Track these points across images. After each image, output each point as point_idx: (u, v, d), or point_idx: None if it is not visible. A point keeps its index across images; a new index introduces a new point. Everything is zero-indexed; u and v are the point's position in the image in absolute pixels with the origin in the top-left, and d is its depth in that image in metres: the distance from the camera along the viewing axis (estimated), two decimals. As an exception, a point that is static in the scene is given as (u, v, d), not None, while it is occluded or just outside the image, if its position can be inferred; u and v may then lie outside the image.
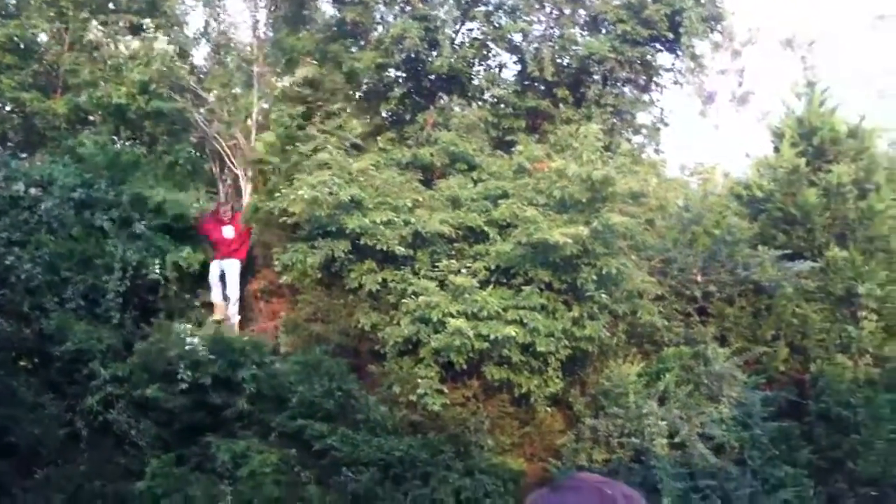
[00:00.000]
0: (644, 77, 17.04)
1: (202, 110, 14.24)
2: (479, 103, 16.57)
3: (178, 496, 11.97)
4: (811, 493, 14.18)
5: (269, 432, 12.75)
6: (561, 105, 16.59)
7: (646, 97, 17.45)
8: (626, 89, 16.85)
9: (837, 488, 14.53)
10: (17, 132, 13.71)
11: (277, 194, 13.85)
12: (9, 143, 13.24)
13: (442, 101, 16.44)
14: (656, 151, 17.96)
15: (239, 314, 14.35)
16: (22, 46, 14.43)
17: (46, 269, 12.19)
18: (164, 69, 13.26)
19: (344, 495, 12.47)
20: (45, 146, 13.38)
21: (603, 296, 13.91)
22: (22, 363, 12.62)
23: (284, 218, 13.68)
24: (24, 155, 13.27)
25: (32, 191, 12.19)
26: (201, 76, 14.90)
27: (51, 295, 12.23)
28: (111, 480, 12.31)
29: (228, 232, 14.13)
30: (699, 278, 15.37)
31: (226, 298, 14.09)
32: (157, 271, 12.78)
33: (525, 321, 13.46)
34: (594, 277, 13.96)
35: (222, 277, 14.07)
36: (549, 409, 13.47)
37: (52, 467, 12.40)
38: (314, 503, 12.29)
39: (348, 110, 15.36)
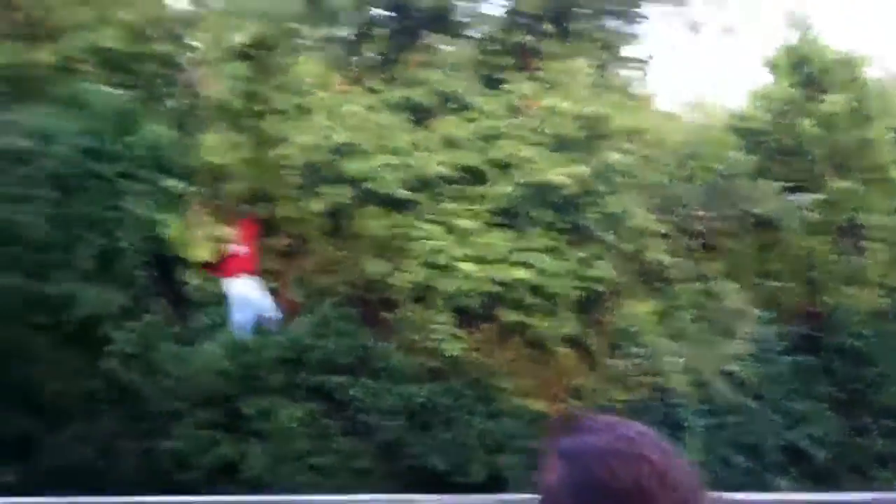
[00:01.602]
0: (630, 9, 18.97)
1: (189, 55, 15.57)
2: (466, 41, 18.27)
3: (209, 454, 13.59)
4: (833, 425, 16.46)
5: (294, 390, 14.43)
6: (547, 41, 18.37)
7: (632, 29, 19.42)
8: (613, 23, 18.76)
9: (861, 421, 16.84)
10: (2, 85, 14.72)
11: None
12: (-1, 94, 14.32)
13: (427, 40, 18.08)
14: (645, 86, 20.00)
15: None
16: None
17: (54, 227, 13.51)
18: (152, 12, 14.51)
19: (372, 443, 14.25)
20: (33, 98, 14.46)
21: (609, 235, 15.87)
22: (37, 320, 13.87)
23: (276, 163, 15.19)
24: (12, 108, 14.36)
25: (28, 142, 13.36)
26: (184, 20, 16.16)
27: (59, 251, 13.57)
28: (140, 438, 13.88)
29: (237, 250, 15.37)
30: (701, 214, 17.48)
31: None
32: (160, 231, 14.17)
33: (532, 263, 15.35)
34: (598, 217, 15.91)
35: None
36: (565, 350, 15.39)
37: (81, 424, 13.82)
38: (343, 453, 14.05)
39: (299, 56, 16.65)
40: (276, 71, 16.10)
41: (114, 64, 15.16)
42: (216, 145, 15.20)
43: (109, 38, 15.02)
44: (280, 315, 14.70)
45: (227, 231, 15.10)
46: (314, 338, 14.32)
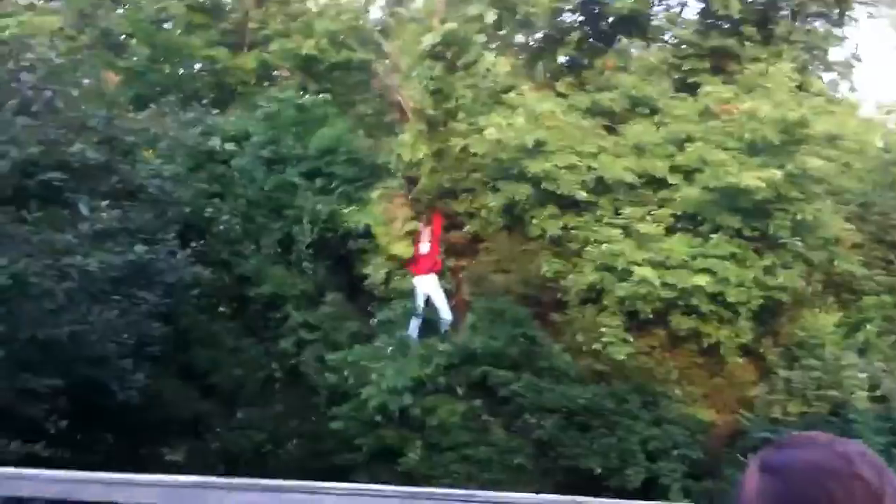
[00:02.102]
0: (836, 10, 18.20)
1: (385, 62, 16.61)
2: (660, 45, 18.23)
3: (370, 437, 14.52)
4: None
5: (457, 387, 15.10)
6: (747, 44, 17.95)
7: (838, 31, 18.61)
8: (818, 24, 18.09)
9: None
10: (209, 90, 16.50)
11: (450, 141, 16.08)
12: (203, 101, 16.02)
13: (621, 44, 18.21)
14: (851, 90, 19.11)
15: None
16: (209, 5, 17.22)
17: (243, 219, 15.00)
18: (353, 21, 15.66)
19: (528, 441, 14.66)
20: (235, 102, 16.11)
21: (797, 243, 15.33)
22: (222, 309, 15.49)
23: (469, 158, 15.88)
24: (215, 111, 16.08)
25: (227, 146, 14.92)
26: (380, 28, 17.30)
27: (248, 242, 15.05)
28: (307, 421, 15.11)
29: (424, 248, 15.91)
30: (901, 224, 16.55)
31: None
32: (347, 224, 15.34)
33: (714, 270, 15.16)
34: (788, 224, 15.45)
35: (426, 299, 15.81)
36: (739, 359, 15.06)
37: (252, 408, 15.27)
38: (499, 448, 14.54)
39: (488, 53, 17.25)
40: (467, 70, 16.77)
41: (311, 71, 16.40)
42: (407, 143, 16.12)
43: (308, 46, 16.26)
44: (451, 318, 15.47)
45: (419, 227, 16.01)
46: (483, 335, 14.86)
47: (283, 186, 15.53)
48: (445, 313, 15.56)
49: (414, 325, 15.50)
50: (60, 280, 10.25)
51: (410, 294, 15.84)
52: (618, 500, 2.99)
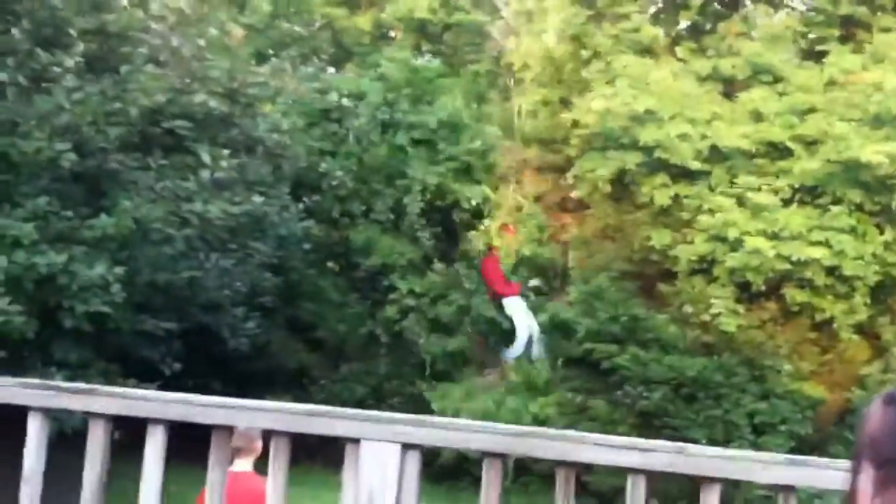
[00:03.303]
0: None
1: (498, 23, 16.66)
2: (788, 11, 17.75)
3: (469, 403, 14.73)
4: None
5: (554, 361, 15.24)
6: (880, 12, 17.38)
7: None
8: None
9: None
10: (327, 47, 16.82)
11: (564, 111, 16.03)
12: (322, 57, 16.33)
13: (746, 10, 17.79)
14: None
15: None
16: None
17: (355, 179, 15.32)
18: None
19: (632, 412, 14.62)
20: (351, 61, 16.36)
21: (920, 218, 14.95)
22: (330, 265, 15.84)
23: (576, 130, 15.84)
24: (332, 69, 16.36)
25: (345, 101, 15.17)
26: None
27: (358, 202, 15.36)
28: (409, 381, 15.42)
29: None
30: None
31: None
32: (457, 197, 15.55)
33: (831, 243, 14.82)
34: (912, 199, 15.01)
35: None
36: (853, 336, 14.75)
37: (356, 363, 15.62)
38: (601, 420, 14.54)
39: (641, 13, 17.11)
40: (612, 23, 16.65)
41: (424, 32, 16.49)
42: (519, 110, 16.19)
43: (422, 8, 16.35)
44: (544, 337, 15.54)
45: (525, 202, 15.98)
46: (585, 308, 14.87)
47: (394, 152, 15.72)
48: (532, 329, 15.74)
49: (519, 345, 15.70)
50: (181, 227, 10.62)
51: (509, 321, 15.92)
52: (725, 449, 2.97)
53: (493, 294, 15.84)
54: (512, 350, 15.67)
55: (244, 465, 5.69)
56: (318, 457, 12.23)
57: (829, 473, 2.84)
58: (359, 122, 15.20)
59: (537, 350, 15.70)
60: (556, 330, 15.40)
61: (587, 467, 12.11)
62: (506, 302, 15.83)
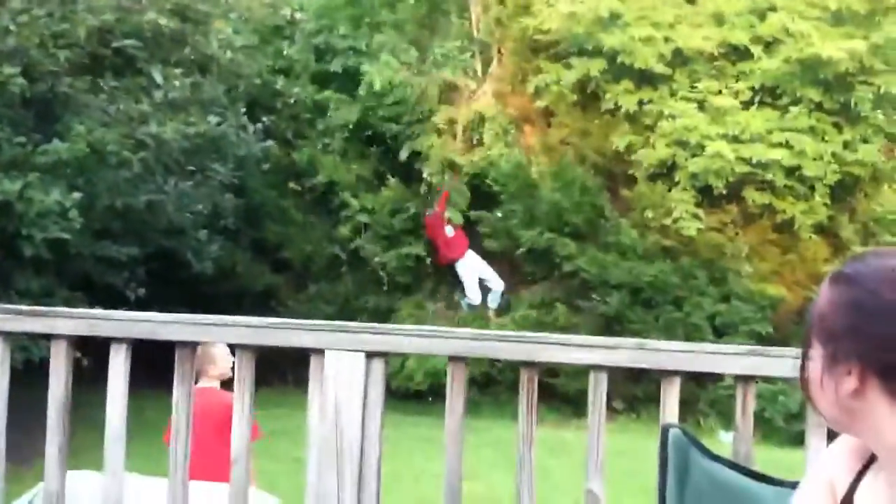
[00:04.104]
0: None
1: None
2: None
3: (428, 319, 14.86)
4: None
5: (516, 250, 15.24)
6: None
7: None
8: None
9: None
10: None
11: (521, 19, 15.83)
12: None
13: None
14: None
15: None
16: None
17: (310, 99, 15.19)
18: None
19: (593, 317, 14.81)
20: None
21: (879, 116, 15.04)
22: (291, 185, 15.77)
23: (538, 36, 15.69)
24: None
25: (297, 15, 14.93)
26: None
27: (315, 120, 15.25)
28: (372, 297, 15.51)
29: (450, 231, 15.19)
30: None
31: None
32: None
33: (791, 144, 14.93)
34: (870, 97, 15.07)
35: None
36: (813, 236, 14.98)
37: (323, 283, 15.67)
38: (561, 323, 14.71)
39: None
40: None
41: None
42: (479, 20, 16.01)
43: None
44: (503, 286, 15.23)
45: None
46: (551, 200, 14.93)
47: (347, 68, 15.56)
48: (497, 283, 15.32)
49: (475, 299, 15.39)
50: (137, 150, 10.48)
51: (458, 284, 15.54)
52: (684, 343, 3.04)
53: (442, 259, 15.15)
54: (467, 300, 15.46)
55: (211, 383, 5.74)
56: (290, 378, 12.34)
57: (787, 362, 2.89)
58: (307, 38, 15.04)
59: (494, 301, 15.26)
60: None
61: (552, 371, 12.34)
62: (457, 265, 15.19)
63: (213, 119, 11.74)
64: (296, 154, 15.82)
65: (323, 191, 15.84)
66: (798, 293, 14.56)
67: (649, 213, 14.94)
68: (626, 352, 3.04)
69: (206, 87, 11.96)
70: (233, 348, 3.24)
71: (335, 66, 15.84)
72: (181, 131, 10.67)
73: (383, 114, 15.62)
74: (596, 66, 15.36)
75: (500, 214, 15.28)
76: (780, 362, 2.96)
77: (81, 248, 10.51)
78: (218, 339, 3.31)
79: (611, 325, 14.20)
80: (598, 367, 3.02)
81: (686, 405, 2.56)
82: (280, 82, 15.02)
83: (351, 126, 15.56)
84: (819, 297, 1.41)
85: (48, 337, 3.20)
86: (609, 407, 3.16)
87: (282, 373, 12.80)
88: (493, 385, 13.85)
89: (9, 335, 3.19)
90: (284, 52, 15.88)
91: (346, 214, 15.59)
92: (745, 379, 3.02)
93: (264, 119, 13.81)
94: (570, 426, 11.96)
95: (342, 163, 15.70)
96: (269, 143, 13.97)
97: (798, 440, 2.34)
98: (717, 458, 1.86)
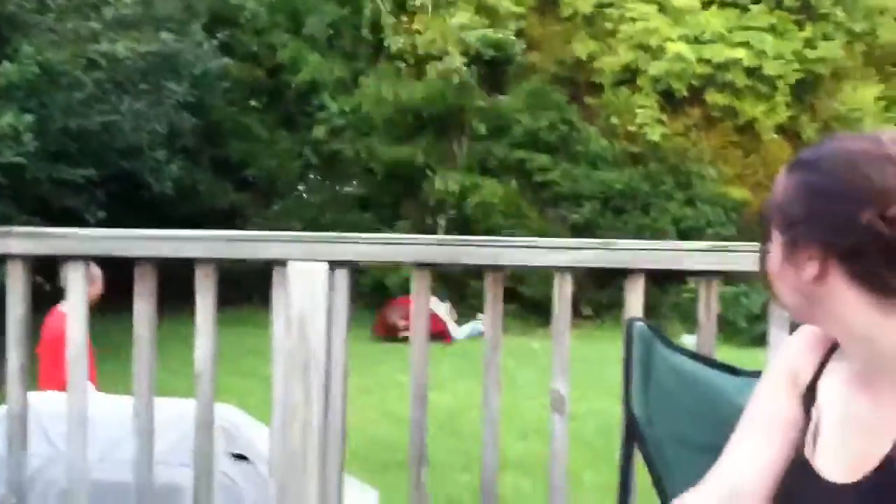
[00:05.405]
0: None
1: None
2: None
3: (404, 224, 14.82)
4: None
5: (492, 165, 15.21)
6: None
7: None
8: None
9: None
10: None
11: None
12: None
13: None
14: None
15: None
16: None
17: (270, 10, 14.83)
18: None
19: (565, 226, 14.86)
20: None
21: (839, 13, 15.02)
22: (253, 103, 15.54)
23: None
24: None
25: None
26: None
27: (279, 32, 14.91)
28: (342, 211, 15.41)
29: None
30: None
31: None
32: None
33: (752, 43, 14.88)
34: (831, -7, 15.05)
35: None
36: (775, 136, 15.05)
37: (289, 199, 15.55)
38: (535, 232, 14.77)
39: None
40: None
41: None
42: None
43: None
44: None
45: None
46: (522, 111, 14.83)
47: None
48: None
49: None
50: (89, 69, 10.21)
51: None
52: (647, 241, 3.03)
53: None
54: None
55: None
56: (256, 298, 12.29)
57: (750, 257, 2.88)
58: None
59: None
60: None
61: (518, 276, 12.31)
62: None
63: (166, 36, 11.43)
64: (281, 51, 15.42)
65: (299, 91, 15.53)
66: (761, 195, 14.61)
67: (615, 120, 14.91)
68: (591, 252, 3.01)
69: (158, 3, 11.62)
70: (192, 263, 3.17)
71: None
72: (133, 49, 10.39)
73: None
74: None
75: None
76: (743, 257, 2.95)
77: (37, 172, 10.30)
78: (176, 254, 3.24)
79: (581, 235, 14.29)
80: (562, 269, 3.00)
81: (649, 310, 2.53)
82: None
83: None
84: (776, 187, 1.33)
85: (2, 258, 3.12)
86: (575, 313, 3.16)
87: (247, 293, 12.75)
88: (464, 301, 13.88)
89: (-38, 258, 3.11)
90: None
91: (321, 116, 15.38)
92: (708, 276, 3.01)
93: (219, 35, 13.49)
94: (537, 335, 12.01)
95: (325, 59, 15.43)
96: (226, 60, 13.68)
97: (760, 341, 2.34)
98: (681, 350, 1.85)
